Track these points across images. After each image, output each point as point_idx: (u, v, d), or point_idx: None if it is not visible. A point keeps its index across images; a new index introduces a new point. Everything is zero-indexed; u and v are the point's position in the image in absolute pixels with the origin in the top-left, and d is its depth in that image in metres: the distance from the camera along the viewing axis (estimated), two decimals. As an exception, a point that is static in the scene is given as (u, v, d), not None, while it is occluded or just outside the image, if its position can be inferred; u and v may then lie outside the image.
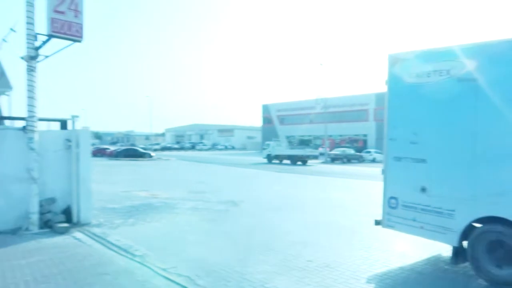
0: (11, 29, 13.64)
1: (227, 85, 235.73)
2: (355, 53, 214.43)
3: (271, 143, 41.35)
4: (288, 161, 37.95)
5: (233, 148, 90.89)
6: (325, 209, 11.32)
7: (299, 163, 37.03)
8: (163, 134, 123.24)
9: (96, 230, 8.07)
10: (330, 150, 45.70)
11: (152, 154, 46.25)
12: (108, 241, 7.18)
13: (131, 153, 44.11)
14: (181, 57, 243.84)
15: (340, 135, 64.03)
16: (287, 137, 75.46)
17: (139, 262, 5.93)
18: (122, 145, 69.32)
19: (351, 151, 44.45)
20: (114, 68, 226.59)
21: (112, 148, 53.49)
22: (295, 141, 74.42)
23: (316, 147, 63.73)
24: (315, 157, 39.04)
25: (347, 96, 66.41)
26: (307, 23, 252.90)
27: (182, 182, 18.88)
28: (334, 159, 41.76)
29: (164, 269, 5.60)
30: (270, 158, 38.86)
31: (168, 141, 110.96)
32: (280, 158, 38.67)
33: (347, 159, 41.85)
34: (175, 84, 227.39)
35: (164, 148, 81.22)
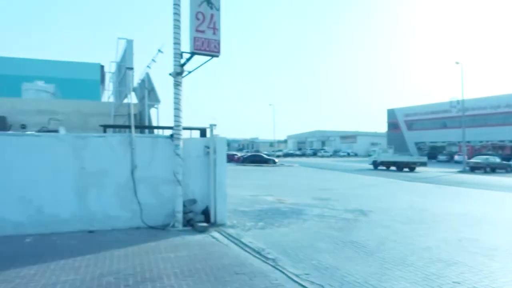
0: (159, 50, 15.66)
1: (350, 89, 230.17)
2: (494, 49, 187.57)
3: (377, 149, 42.85)
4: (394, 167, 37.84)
5: (356, 155, 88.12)
6: (467, 224, 10.04)
7: (406, 169, 36.43)
8: (285, 141, 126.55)
9: (231, 231, 8.61)
10: (469, 158, 40.71)
11: (276, 160, 47.77)
12: (242, 243, 7.58)
13: (256, 159, 46.31)
14: (301, 64, 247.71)
15: (480, 141, 56.57)
16: (416, 144, 70.03)
17: (272, 266, 6.09)
18: (247, 152, 73.43)
19: (496, 160, 38.77)
20: (239, 78, 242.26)
21: (239, 154, 57.07)
22: (425, 147, 68.55)
23: (451, 154, 57.64)
24: (423, 164, 37.22)
25: (489, 96, 58.60)
26: (437, 18, 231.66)
27: (306, 188, 18.99)
28: (473, 168, 36.98)
29: (296, 275, 5.64)
30: (376, 164, 39.24)
31: (290, 147, 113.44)
32: (385, 164, 38.61)
33: (490, 169, 36.58)
34: (297, 91, 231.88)
35: (286, 155, 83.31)
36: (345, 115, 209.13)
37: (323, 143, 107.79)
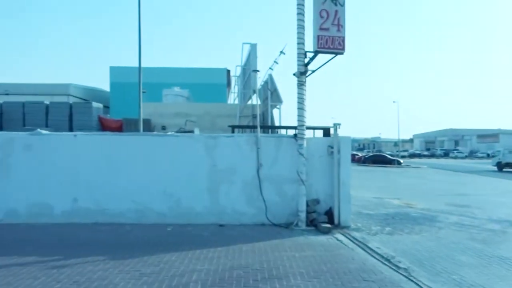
0: (281, 52, 15.99)
1: (488, 83, 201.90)
2: None
3: (502, 149, 38.51)
4: None
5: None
6: None
7: None
8: (411, 140, 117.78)
9: (356, 234, 8.26)
10: None
11: (401, 161, 44.77)
12: (369, 247, 7.18)
13: (379, 159, 44.17)
14: (429, 57, 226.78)
15: None
16: None
17: (404, 276, 5.61)
18: (369, 152, 70.42)
19: None
20: (359, 74, 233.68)
21: (360, 154, 55.09)
22: None
23: None
24: None
25: None
26: None
27: (438, 193, 17.25)
28: None
29: (434, 290, 5.09)
30: (500, 166, 35.87)
31: (416, 147, 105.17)
32: None
33: None
34: (424, 87, 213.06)
35: (412, 155, 77.45)
36: (484, 112, 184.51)
37: (456, 143, 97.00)
